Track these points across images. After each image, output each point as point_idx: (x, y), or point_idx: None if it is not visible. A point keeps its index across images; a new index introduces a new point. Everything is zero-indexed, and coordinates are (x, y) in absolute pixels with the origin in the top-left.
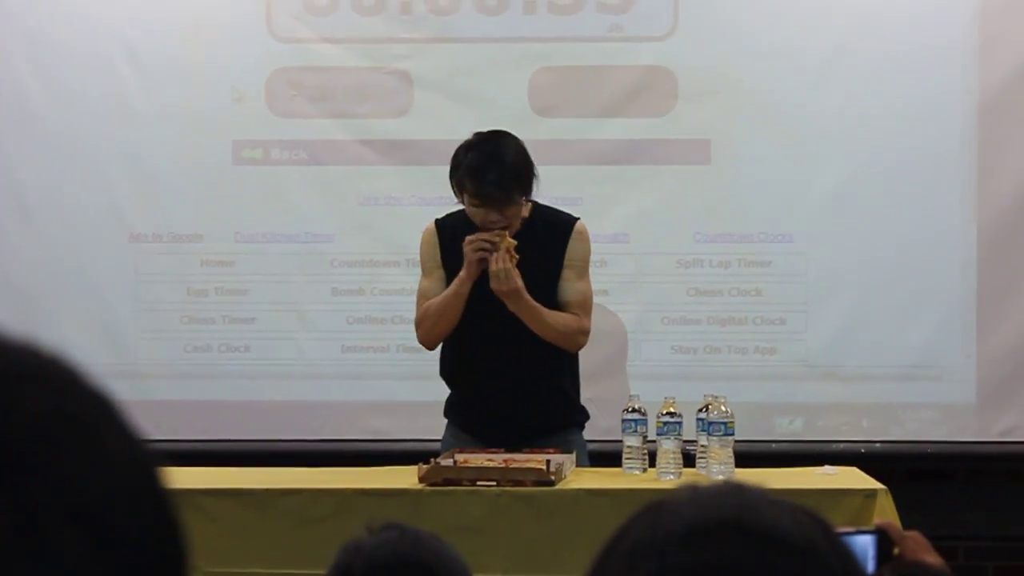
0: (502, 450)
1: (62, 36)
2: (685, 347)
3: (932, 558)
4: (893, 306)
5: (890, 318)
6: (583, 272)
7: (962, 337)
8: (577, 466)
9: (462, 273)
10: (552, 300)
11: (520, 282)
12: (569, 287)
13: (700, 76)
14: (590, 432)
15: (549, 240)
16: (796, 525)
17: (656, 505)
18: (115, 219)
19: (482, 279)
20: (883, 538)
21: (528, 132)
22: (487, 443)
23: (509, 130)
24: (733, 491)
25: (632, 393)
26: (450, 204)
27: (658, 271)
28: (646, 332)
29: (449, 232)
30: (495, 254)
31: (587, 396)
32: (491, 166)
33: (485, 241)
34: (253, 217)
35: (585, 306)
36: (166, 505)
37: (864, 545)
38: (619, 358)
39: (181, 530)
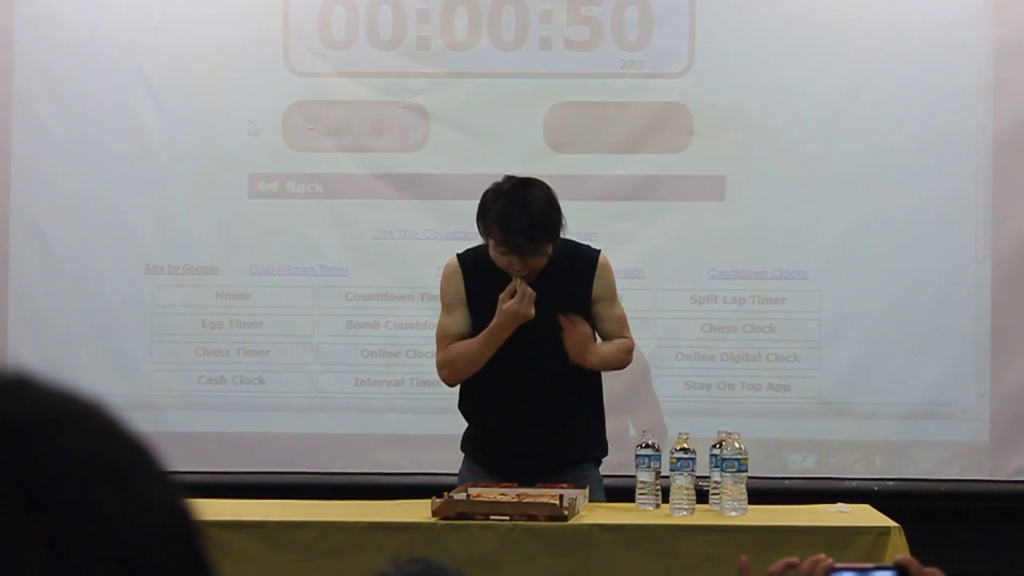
0: (515, 484)
1: (81, 69)
2: (699, 383)
3: None
4: (907, 344)
5: (904, 356)
6: (614, 300)
7: (975, 376)
8: (592, 501)
9: (492, 326)
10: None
11: (590, 338)
12: (607, 315)
13: (715, 113)
14: (603, 467)
15: (573, 275)
16: None
17: None
18: (131, 251)
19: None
20: (903, 574)
21: (543, 167)
22: (504, 477)
23: (524, 166)
24: None
25: (645, 428)
26: (464, 238)
27: (672, 307)
28: (660, 368)
29: (471, 266)
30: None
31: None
32: (520, 216)
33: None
34: (268, 250)
35: (626, 327)
36: (199, 549)
37: None
38: (632, 394)
39: (213, 570)
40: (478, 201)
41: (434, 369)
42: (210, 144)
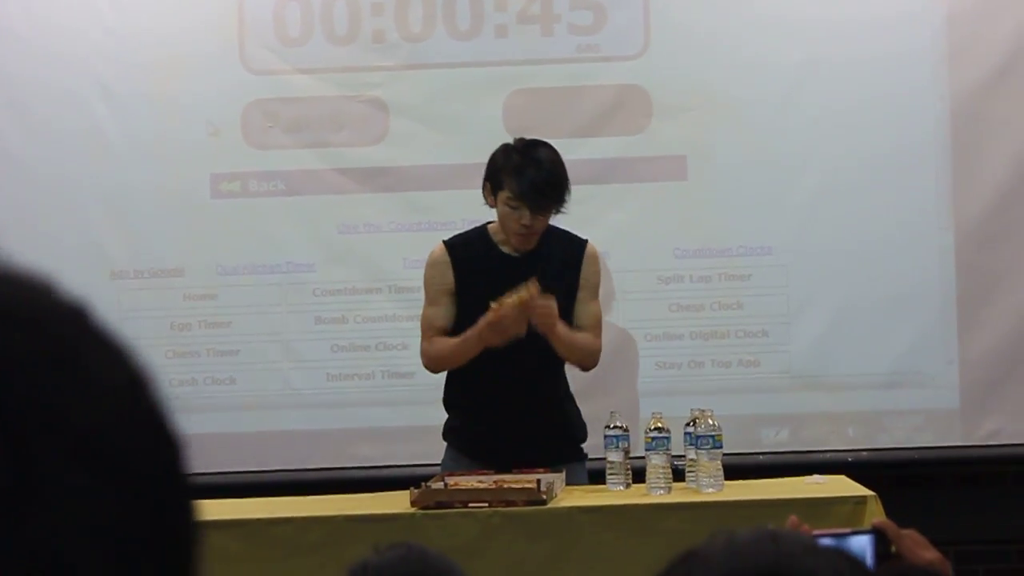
0: (492, 471)
1: (36, 74)
2: (669, 363)
3: (931, 554)
4: (874, 314)
5: (872, 326)
6: (595, 294)
7: (944, 343)
8: None
9: (474, 337)
10: (567, 317)
11: (555, 311)
12: (583, 309)
13: (673, 93)
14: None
15: (564, 259)
16: (835, 573)
17: (689, 555)
18: (95, 256)
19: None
20: (880, 537)
21: None
22: (489, 464)
23: (485, 154)
24: (769, 539)
25: (612, 410)
26: (428, 229)
27: (639, 288)
28: (629, 349)
29: (461, 252)
30: (526, 301)
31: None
32: (536, 169)
33: (503, 315)
34: (234, 249)
35: (599, 328)
36: (159, 421)
37: (862, 545)
38: (606, 377)
39: (178, 441)
40: (440, 192)
41: (405, 361)
42: (170, 146)
